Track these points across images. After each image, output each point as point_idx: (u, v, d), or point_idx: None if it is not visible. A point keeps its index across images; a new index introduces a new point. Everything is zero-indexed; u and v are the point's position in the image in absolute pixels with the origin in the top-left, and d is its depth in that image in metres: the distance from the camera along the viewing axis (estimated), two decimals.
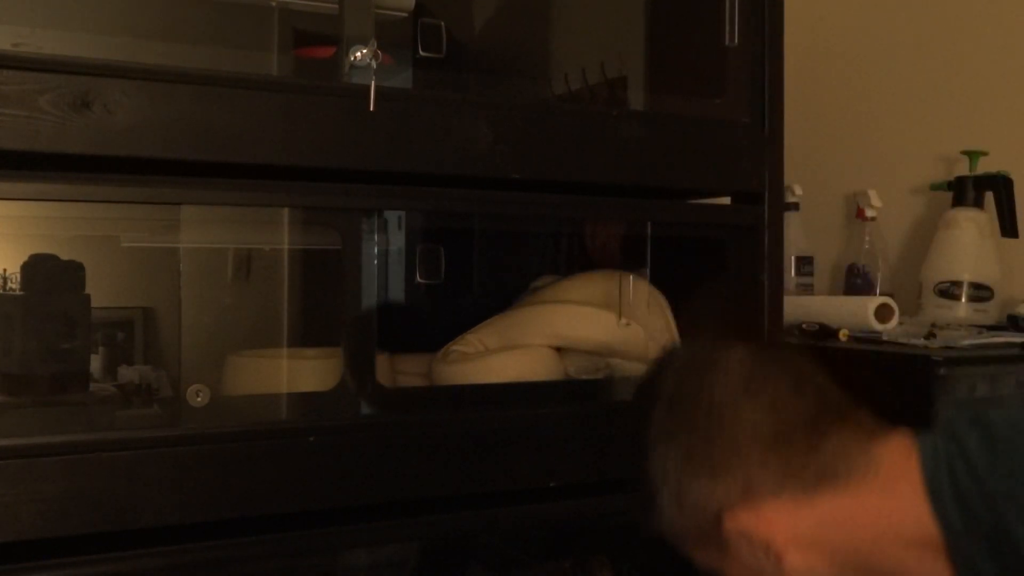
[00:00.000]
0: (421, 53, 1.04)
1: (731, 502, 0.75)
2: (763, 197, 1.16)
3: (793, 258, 1.64)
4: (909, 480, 0.70)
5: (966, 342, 1.23)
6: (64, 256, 1.03)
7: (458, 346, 1.15)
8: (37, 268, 1.01)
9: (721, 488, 0.75)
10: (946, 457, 0.69)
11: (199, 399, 0.93)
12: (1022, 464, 0.66)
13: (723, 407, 0.76)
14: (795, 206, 1.66)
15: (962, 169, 1.58)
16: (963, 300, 1.52)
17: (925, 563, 0.70)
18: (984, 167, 1.55)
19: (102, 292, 1.07)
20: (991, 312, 1.52)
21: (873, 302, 1.33)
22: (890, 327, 1.32)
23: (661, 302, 1.19)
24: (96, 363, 1.14)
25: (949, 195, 1.58)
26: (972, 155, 1.56)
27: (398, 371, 1.16)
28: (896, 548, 0.71)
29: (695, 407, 0.77)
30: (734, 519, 0.75)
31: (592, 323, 1.15)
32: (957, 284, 1.52)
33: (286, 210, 0.99)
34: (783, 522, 0.74)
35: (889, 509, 0.72)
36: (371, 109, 0.94)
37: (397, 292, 1.30)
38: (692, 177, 1.13)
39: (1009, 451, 0.67)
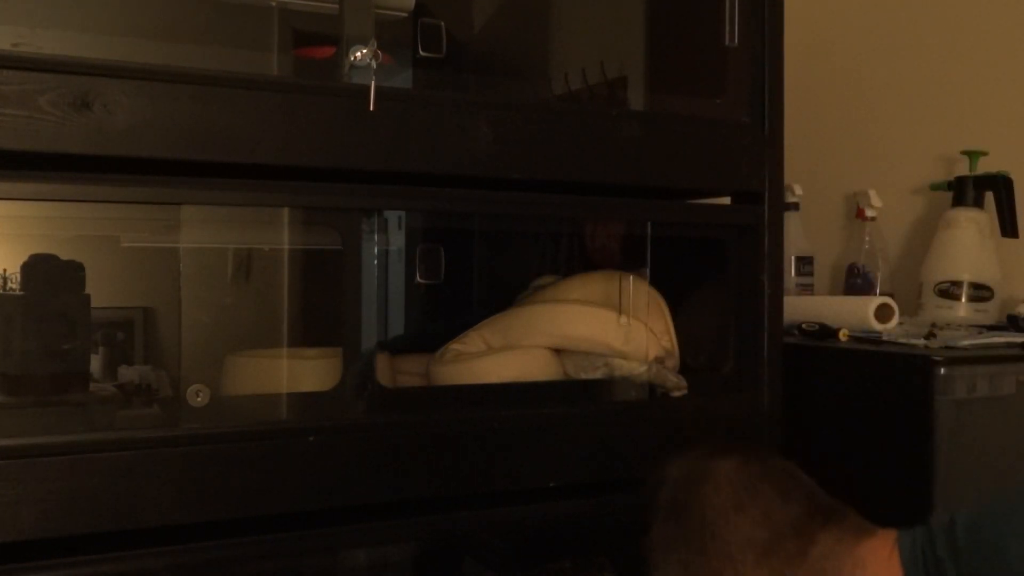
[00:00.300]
0: (421, 53, 1.04)
1: None
2: (763, 197, 1.16)
3: (793, 258, 1.64)
4: None
5: (966, 342, 1.23)
6: (64, 256, 1.02)
7: (458, 344, 1.15)
8: (37, 268, 1.01)
9: None
10: (923, 560, 0.76)
11: (199, 399, 0.93)
12: (976, 570, 0.74)
13: (716, 520, 0.82)
14: (795, 206, 1.66)
15: (962, 169, 1.58)
16: (963, 300, 1.52)
17: None
18: (984, 167, 1.55)
19: (102, 292, 1.07)
20: (991, 312, 1.52)
21: (873, 302, 1.33)
22: (890, 327, 1.32)
23: (660, 303, 1.19)
24: (96, 363, 1.14)
25: (949, 195, 1.58)
26: (972, 155, 1.56)
27: (398, 371, 1.16)
28: None
29: (690, 520, 0.83)
30: None
31: (593, 322, 1.15)
32: (957, 284, 1.52)
33: (286, 210, 0.99)
34: None
35: None
36: (371, 109, 0.94)
37: (397, 292, 1.30)
38: (692, 177, 1.13)
39: (968, 557, 0.74)
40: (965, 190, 1.55)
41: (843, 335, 1.31)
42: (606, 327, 1.15)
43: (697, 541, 0.82)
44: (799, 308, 1.40)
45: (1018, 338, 1.29)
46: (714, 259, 1.20)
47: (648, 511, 0.88)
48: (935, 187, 1.63)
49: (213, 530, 0.91)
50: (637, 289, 1.18)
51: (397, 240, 1.24)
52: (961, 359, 1.15)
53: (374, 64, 0.94)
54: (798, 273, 1.65)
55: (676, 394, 1.12)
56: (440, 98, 0.99)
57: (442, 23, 1.06)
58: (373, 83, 0.94)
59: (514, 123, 1.02)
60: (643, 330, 1.16)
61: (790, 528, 0.80)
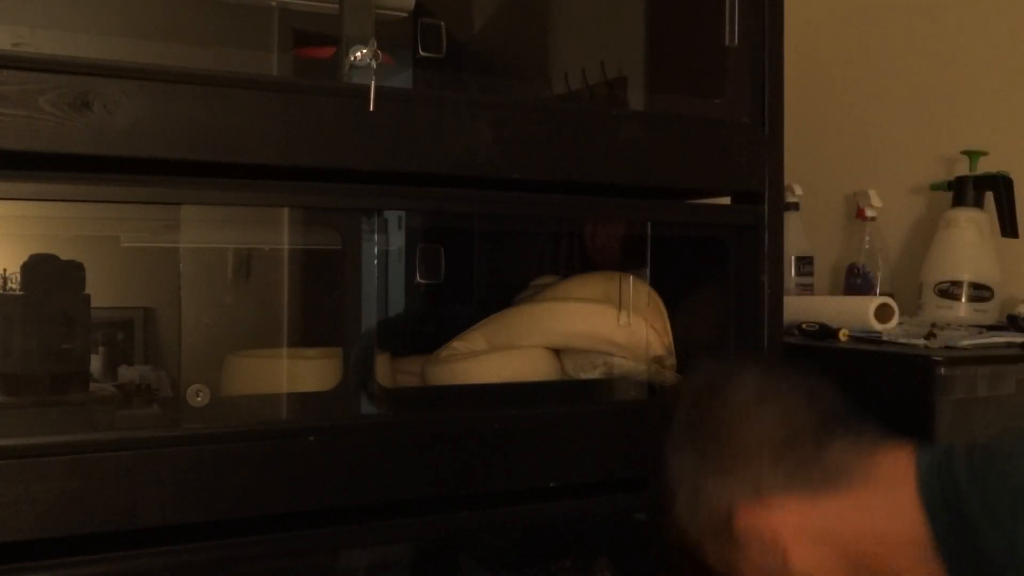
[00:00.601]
0: (421, 53, 1.04)
1: (743, 501, 0.80)
2: (763, 197, 1.16)
3: (793, 258, 1.64)
4: (906, 489, 0.76)
5: (966, 342, 1.23)
6: (64, 256, 1.02)
7: (458, 343, 1.15)
8: (37, 268, 1.01)
9: (734, 488, 0.81)
10: (938, 475, 0.75)
11: (199, 399, 0.93)
12: (989, 492, 0.73)
13: (736, 415, 0.83)
14: (795, 206, 1.66)
15: (962, 169, 1.58)
16: (963, 300, 1.52)
17: (920, 561, 0.75)
18: (984, 167, 1.55)
19: (102, 292, 1.07)
20: (991, 312, 1.52)
21: (873, 302, 1.33)
22: (890, 327, 1.32)
23: (658, 303, 1.19)
24: (96, 363, 1.14)
25: (949, 195, 1.58)
26: (972, 155, 1.56)
27: (399, 371, 1.16)
28: (894, 546, 0.76)
29: (711, 415, 0.84)
30: (745, 516, 0.80)
31: (594, 318, 1.15)
32: (957, 284, 1.52)
33: (286, 210, 0.99)
34: (790, 519, 0.79)
35: (888, 511, 0.76)
36: (371, 109, 0.94)
37: (397, 292, 1.30)
38: (692, 177, 1.13)
39: (983, 479, 0.73)
40: (965, 190, 1.55)
41: (843, 335, 1.31)
42: (607, 323, 1.15)
43: (715, 431, 0.83)
44: (799, 308, 1.40)
45: (1018, 338, 1.29)
46: (714, 259, 1.20)
47: (672, 410, 0.89)
48: (935, 187, 1.63)
49: (213, 530, 0.91)
50: (637, 289, 1.18)
51: (397, 240, 1.24)
52: (961, 359, 1.15)
53: (374, 64, 0.94)
54: (798, 273, 1.65)
55: None
56: (440, 98, 0.99)
57: (442, 23, 1.06)
58: (373, 83, 0.94)
59: (514, 123, 1.02)
60: (644, 326, 1.16)
61: (809, 428, 0.81)
